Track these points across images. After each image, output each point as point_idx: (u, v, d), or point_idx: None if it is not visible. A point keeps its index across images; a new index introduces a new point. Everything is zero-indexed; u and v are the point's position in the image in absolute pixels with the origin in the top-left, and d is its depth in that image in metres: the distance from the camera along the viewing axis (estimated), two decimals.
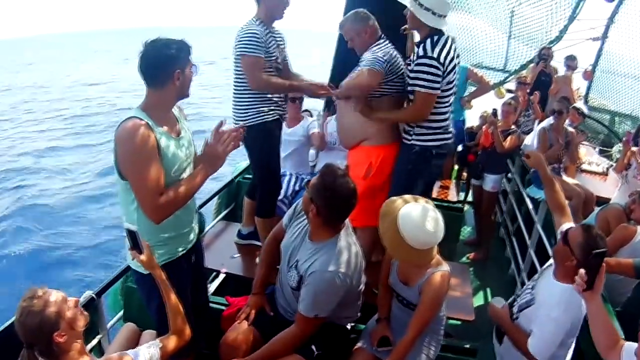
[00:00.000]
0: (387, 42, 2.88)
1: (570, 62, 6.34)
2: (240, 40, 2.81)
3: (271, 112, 3.00)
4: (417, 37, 2.90)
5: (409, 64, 2.78)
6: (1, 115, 19.74)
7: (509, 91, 6.30)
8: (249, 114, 2.96)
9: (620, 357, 1.65)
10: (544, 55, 6.05)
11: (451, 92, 2.80)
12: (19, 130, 17.17)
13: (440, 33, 2.67)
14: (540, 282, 2.22)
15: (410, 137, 2.83)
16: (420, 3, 2.62)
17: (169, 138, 1.95)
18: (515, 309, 2.26)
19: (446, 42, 2.66)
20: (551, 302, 2.03)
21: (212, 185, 2.91)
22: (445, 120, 2.84)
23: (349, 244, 2.14)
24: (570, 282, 2.01)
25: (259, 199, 3.25)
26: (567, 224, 2.26)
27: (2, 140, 15.62)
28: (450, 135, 2.92)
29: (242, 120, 2.97)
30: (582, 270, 1.65)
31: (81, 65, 40.57)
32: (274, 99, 3.00)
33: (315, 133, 3.94)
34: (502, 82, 6.66)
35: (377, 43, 2.85)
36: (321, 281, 2.03)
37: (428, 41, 2.64)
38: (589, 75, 7.50)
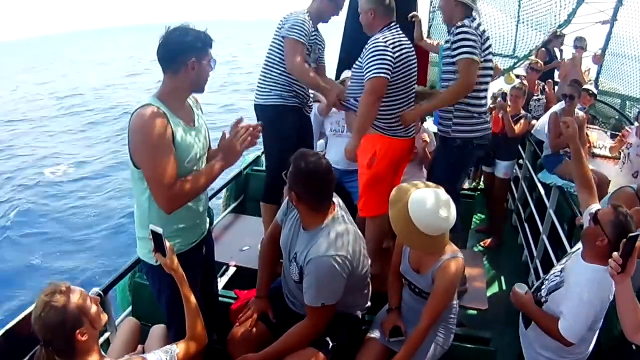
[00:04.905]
0: (398, 30, 2.75)
1: (579, 43, 6.23)
2: (288, 22, 2.93)
3: (291, 99, 3.07)
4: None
5: (447, 48, 2.73)
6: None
7: (519, 77, 6.21)
8: (271, 94, 3.05)
9: None
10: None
11: (487, 79, 2.76)
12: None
13: (472, 17, 2.67)
14: (568, 265, 2.17)
15: (449, 131, 2.80)
16: None
17: (183, 127, 1.92)
18: (543, 293, 2.20)
19: (479, 23, 2.66)
20: (581, 283, 1.98)
21: (220, 177, 2.87)
22: (483, 107, 2.80)
23: (343, 226, 2.07)
24: (600, 263, 1.97)
25: (266, 183, 3.25)
26: (596, 205, 2.24)
27: None
28: (488, 125, 2.89)
29: (262, 98, 3.06)
30: (615, 254, 1.64)
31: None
32: (296, 90, 3.07)
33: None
34: (512, 68, 6.56)
35: (387, 28, 2.73)
36: (319, 267, 1.97)
37: (465, 20, 2.64)
38: (598, 59, 7.36)
